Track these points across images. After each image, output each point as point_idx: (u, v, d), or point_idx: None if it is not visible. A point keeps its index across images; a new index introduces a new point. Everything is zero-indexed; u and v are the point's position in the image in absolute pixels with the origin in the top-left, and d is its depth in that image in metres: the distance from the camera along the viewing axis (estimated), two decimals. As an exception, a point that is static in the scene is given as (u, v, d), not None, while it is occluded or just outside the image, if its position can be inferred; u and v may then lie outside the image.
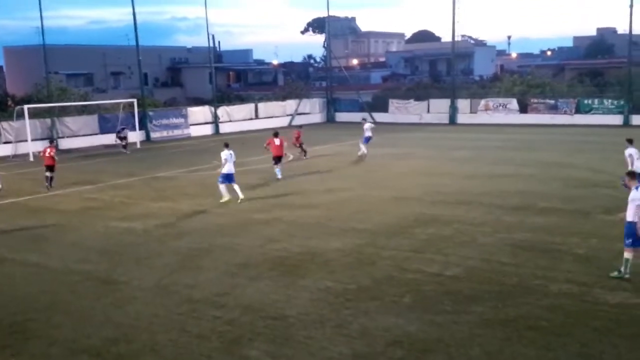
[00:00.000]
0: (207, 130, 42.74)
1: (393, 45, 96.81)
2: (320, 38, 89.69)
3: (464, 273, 11.28)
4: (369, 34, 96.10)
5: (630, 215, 10.47)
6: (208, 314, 9.70)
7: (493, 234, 13.79)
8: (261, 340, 8.69)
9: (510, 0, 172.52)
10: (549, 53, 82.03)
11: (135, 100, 37.74)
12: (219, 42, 78.92)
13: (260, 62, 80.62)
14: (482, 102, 44.61)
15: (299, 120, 44.55)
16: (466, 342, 8.43)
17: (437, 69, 71.78)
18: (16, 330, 9.35)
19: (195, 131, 41.42)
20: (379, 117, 47.58)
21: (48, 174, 21.81)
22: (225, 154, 18.36)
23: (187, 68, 67.46)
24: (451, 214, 15.85)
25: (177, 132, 40.43)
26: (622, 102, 39.71)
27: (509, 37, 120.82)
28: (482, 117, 43.65)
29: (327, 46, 53.62)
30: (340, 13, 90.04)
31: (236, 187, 18.41)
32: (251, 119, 46.12)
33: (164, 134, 39.73)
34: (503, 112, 43.45)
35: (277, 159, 22.30)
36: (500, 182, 20.22)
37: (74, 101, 39.74)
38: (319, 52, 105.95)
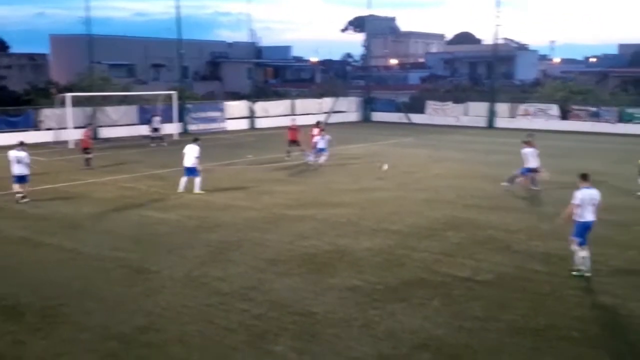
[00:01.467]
0: (244, 124, 43.04)
1: (433, 46, 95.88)
2: (360, 37, 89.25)
3: (496, 279, 11.10)
4: (409, 34, 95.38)
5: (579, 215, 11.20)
6: (236, 307, 9.77)
7: (527, 241, 13.54)
8: (287, 336, 8.71)
9: (555, 5, 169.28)
10: (593, 60, 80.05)
11: (174, 93, 38.22)
12: (259, 38, 79.25)
13: (299, 59, 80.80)
14: (522, 106, 43.86)
15: (335, 118, 44.48)
16: (495, 350, 8.29)
17: (477, 71, 70.78)
18: (48, 314, 9.56)
19: (231, 125, 41.76)
20: (416, 118, 47.27)
21: (85, 155, 24.59)
22: (186, 147, 19.13)
23: (226, 62, 67.98)
24: (485, 219, 15.62)
25: (213, 126, 40.80)
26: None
27: (553, 42, 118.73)
28: (521, 122, 42.81)
29: (367, 45, 53.42)
30: (381, 12, 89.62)
31: (197, 180, 18.97)
32: (287, 115, 46.26)
33: (201, 126, 40.10)
34: (543, 118, 42.62)
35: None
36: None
37: (115, 91, 40.47)
38: (358, 51, 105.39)
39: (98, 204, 17.64)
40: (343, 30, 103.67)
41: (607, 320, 9.27)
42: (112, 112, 37.42)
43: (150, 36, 61.62)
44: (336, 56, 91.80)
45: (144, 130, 36.77)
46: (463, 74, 70.74)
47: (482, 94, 47.64)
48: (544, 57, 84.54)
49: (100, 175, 22.49)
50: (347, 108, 50.34)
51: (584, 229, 11.19)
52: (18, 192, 17.85)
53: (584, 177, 11.57)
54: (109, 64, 52.10)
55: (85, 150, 24.69)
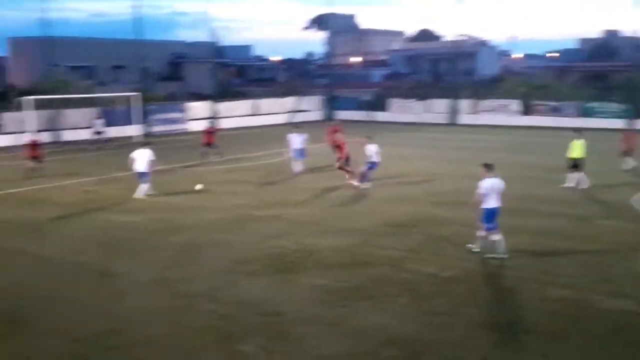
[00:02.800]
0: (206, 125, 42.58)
1: (394, 43, 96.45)
2: (321, 35, 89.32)
3: (461, 274, 11.25)
4: (371, 32, 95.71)
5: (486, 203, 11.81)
6: (203, 309, 9.70)
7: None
8: (256, 336, 8.69)
9: (515, 1, 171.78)
10: (553, 55, 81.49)
11: (136, 94, 37.69)
12: (219, 37, 78.38)
13: (261, 58, 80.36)
14: (484, 102, 44.49)
15: (299, 117, 44.41)
16: (460, 345, 8.40)
17: (439, 68, 71.56)
18: (13, 319, 9.38)
19: (194, 126, 41.34)
20: (379, 116, 47.54)
21: (31, 164, 22.86)
22: (137, 152, 18.57)
23: (187, 63, 67.25)
24: (450, 215, 15.82)
25: (175, 127, 40.37)
26: (625, 106, 39.47)
27: (514, 38, 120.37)
28: (483, 118, 43.48)
29: (329, 43, 53.51)
30: (342, 10, 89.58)
31: (144, 186, 18.49)
32: (251, 115, 46.07)
33: (163, 128, 39.66)
34: (505, 114, 43.27)
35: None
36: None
37: (76, 93, 39.71)
38: (320, 49, 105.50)
39: (60, 208, 17.29)
40: (305, 29, 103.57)
41: (571, 313, 9.36)
42: (73, 114, 36.72)
43: (109, 37, 60.56)
44: (298, 55, 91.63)
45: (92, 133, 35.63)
46: (425, 70, 71.41)
47: (445, 91, 48.11)
48: (505, 53, 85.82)
49: (60, 179, 22.03)
50: (311, 107, 50.36)
51: (491, 215, 11.88)
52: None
53: (488, 167, 12.15)
54: (68, 66, 51.09)
55: (34, 158, 22.87)
